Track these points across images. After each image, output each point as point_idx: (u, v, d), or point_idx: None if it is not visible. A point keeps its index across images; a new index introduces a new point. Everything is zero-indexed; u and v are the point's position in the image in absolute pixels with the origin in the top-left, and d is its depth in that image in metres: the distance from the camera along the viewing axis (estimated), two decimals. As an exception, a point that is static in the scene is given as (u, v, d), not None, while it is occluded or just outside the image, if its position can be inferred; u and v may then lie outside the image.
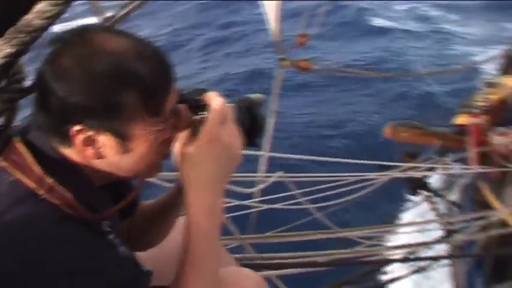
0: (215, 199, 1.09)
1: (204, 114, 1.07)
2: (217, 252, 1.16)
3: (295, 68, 4.98)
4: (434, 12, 27.05)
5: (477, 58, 16.41)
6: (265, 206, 3.76)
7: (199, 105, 1.09)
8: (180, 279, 1.07)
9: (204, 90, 1.11)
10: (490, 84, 9.15)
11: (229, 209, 3.24)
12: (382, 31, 24.19)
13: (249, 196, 3.70)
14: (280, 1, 4.35)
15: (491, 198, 7.12)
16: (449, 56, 20.04)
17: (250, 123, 1.17)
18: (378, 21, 25.45)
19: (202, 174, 1.06)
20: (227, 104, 1.10)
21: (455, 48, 21.44)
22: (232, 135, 1.08)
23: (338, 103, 15.43)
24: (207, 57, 21.53)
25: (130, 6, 1.87)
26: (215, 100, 1.07)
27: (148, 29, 23.72)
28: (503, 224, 5.91)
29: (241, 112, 1.15)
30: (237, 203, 3.43)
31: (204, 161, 1.05)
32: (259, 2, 4.57)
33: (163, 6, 26.10)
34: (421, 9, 27.82)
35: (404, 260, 4.36)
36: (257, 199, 3.75)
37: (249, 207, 3.63)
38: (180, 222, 1.39)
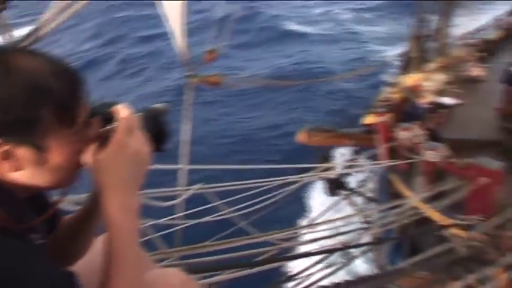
0: (130, 199, 1.17)
1: (113, 125, 1.15)
2: (139, 251, 1.22)
3: (205, 84, 5.09)
4: (346, 15, 28.27)
5: (388, 56, 17.25)
6: (190, 222, 3.80)
7: (108, 117, 1.17)
8: (105, 286, 1.12)
9: (113, 103, 1.20)
10: (392, 84, 9.86)
11: (154, 226, 3.29)
12: (298, 36, 24.87)
13: (172, 210, 3.77)
14: (184, 16, 4.38)
15: (402, 188, 7.65)
16: (363, 55, 20.91)
17: (157, 131, 1.28)
18: (294, 27, 26.27)
19: (115, 178, 1.14)
20: (134, 114, 1.19)
21: (368, 47, 22.41)
22: (140, 142, 1.17)
23: (255, 111, 15.71)
24: (125, 72, 21.26)
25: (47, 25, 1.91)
26: (122, 111, 1.16)
27: (66, 45, 23.59)
28: (415, 209, 6.42)
29: (147, 121, 1.25)
30: (161, 220, 3.48)
31: (115, 166, 1.13)
32: (164, 18, 4.58)
33: (81, 20, 25.63)
34: (334, 12, 29.18)
35: (332, 250, 4.55)
36: (181, 213, 3.82)
37: (173, 223, 3.68)
38: (101, 238, 1.45)
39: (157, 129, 1.29)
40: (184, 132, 4.49)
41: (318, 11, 29.87)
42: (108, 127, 1.17)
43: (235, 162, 10.76)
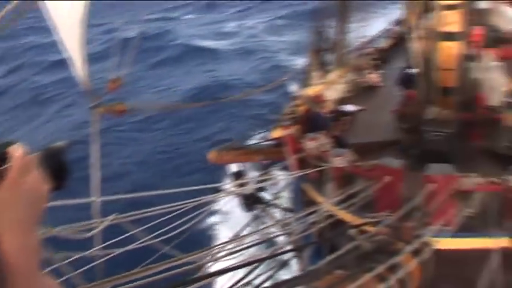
0: (28, 238, 1.14)
1: (7, 165, 1.12)
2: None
3: (111, 113, 4.90)
4: (258, 28, 29.21)
5: (297, 65, 17.48)
6: (110, 253, 3.68)
7: (4, 158, 1.14)
8: None
9: (9, 143, 1.17)
10: (296, 96, 10.22)
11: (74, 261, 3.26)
12: (211, 51, 25.02)
13: (90, 243, 3.65)
14: (84, 43, 4.18)
15: (315, 195, 7.90)
16: (275, 66, 21.46)
17: (56, 169, 1.26)
18: (207, 43, 26.57)
19: (11, 217, 1.11)
20: (30, 153, 1.16)
21: (278, 57, 23.10)
22: (36, 180, 1.15)
23: (165, 135, 15.61)
24: (35, 100, 20.39)
25: None
26: (17, 151, 1.13)
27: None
28: (329, 213, 6.65)
29: (46, 159, 1.24)
30: (79, 255, 3.42)
31: (9, 206, 1.10)
32: (62, 49, 4.35)
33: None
34: (247, 25, 30.21)
35: (256, 261, 4.55)
36: (99, 246, 3.67)
37: (91, 255, 3.57)
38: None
39: (57, 166, 1.29)
40: (93, 164, 4.32)
41: (231, 24, 30.51)
42: (3, 167, 1.13)
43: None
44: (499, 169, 7.26)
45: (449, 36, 8.68)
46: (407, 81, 11.46)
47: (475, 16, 8.85)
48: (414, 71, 11.65)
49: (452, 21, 8.63)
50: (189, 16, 31.89)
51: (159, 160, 13.83)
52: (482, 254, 5.51)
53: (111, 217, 3.77)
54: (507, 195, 5.88)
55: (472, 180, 5.83)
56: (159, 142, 15.15)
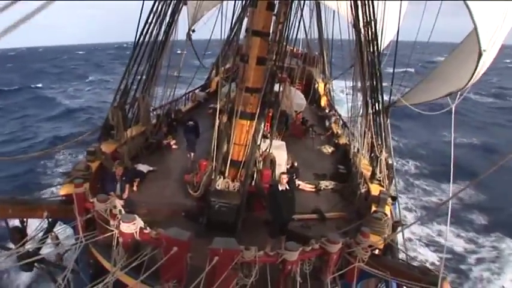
0: None
1: None
2: None
3: None
4: None
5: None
6: None
7: None
8: None
9: None
10: (90, 152, 9.74)
11: None
12: None
13: None
14: None
15: (103, 260, 7.45)
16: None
17: None
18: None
19: None
20: None
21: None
22: None
23: None
24: None
25: None
26: None
27: None
28: (119, 282, 6.31)
29: None
30: None
31: None
32: None
33: None
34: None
35: None
36: None
37: None
38: None
39: None
40: None
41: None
42: None
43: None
44: (276, 241, 8.06)
45: (245, 115, 9.52)
46: (188, 131, 12.81)
47: (269, 98, 9.89)
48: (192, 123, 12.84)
49: (250, 102, 9.52)
50: None
51: None
52: None
53: None
54: (281, 266, 6.52)
55: (251, 253, 6.29)
56: None
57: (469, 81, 9.54)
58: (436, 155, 29.60)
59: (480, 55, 8.59)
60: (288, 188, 8.46)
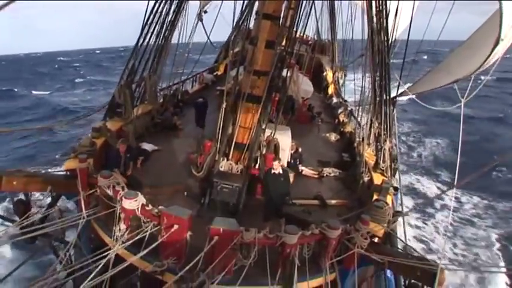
0: None
1: None
2: None
3: None
4: None
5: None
6: None
7: None
8: None
9: None
10: (95, 129, 9.79)
11: None
12: None
13: None
14: None
15: (104, 236, 7.53)
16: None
17: None
18: None
19: None
20: None
21: None
22: None
23: None
24: None
25: None
26: None
27: None
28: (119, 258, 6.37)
29: None
30: None
31: None
32: None
33: None
34: None
35: None
36: None
37: None
38: None
39: None
40: None
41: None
42: None
43: None
44: (275, 224, 8.10)
45: (252, 98, 9.50)
46: (198, 107, 13.22)
47: (277, 83, 9.87)
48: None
49: (257, 85, 9.50)
50: None
51: None
52: None
53: None
54: (280, 249, 6.57)
55: (251, 235, 6.34)
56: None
57: (478, 68, 9.46)
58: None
59: (497, 43, 8.49)
60: (281, 172, 8.60)
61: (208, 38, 19.46)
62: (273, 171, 8.60)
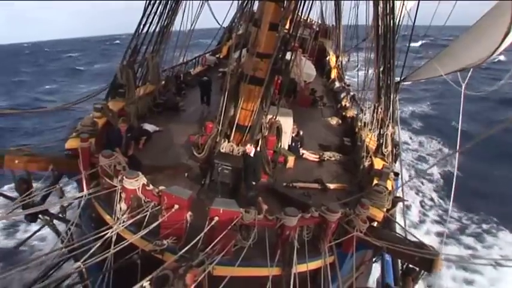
0: None
1: None
2: None
3: None
4: None
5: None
6: None
7: None
8: None
9: None
10: (97, 109, 9.76)
11: None
12: None
13: None
14: None
15: (105, 215, 7.57)
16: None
17: None
18: None
19: None
20: None
21: None
22: None
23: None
24: None
25: None
26: None
27: None
28: (120, 237, 6.43)
29: None
30: None
31: None
32: None
33: None
34: None
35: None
36: None
37: None
38: None
39: None
40: None
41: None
42: None
43: None
44: (276, 206, 8.13)
45: (254, 80, 9.46)
46: (203, 85, 13.25)
47: (279, 65, 9.81)
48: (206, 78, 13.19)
49: (259, 67, 9.44)
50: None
51: None
52: (256, 281, 6.05)
53: None
54: (280, 231, 6.61)
55: (251, 216, 6.38)
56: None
57: (488, 57, 9.38)
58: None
59: (508, 31, 8.40)
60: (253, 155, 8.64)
61: (214, 17, 19.23)
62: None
